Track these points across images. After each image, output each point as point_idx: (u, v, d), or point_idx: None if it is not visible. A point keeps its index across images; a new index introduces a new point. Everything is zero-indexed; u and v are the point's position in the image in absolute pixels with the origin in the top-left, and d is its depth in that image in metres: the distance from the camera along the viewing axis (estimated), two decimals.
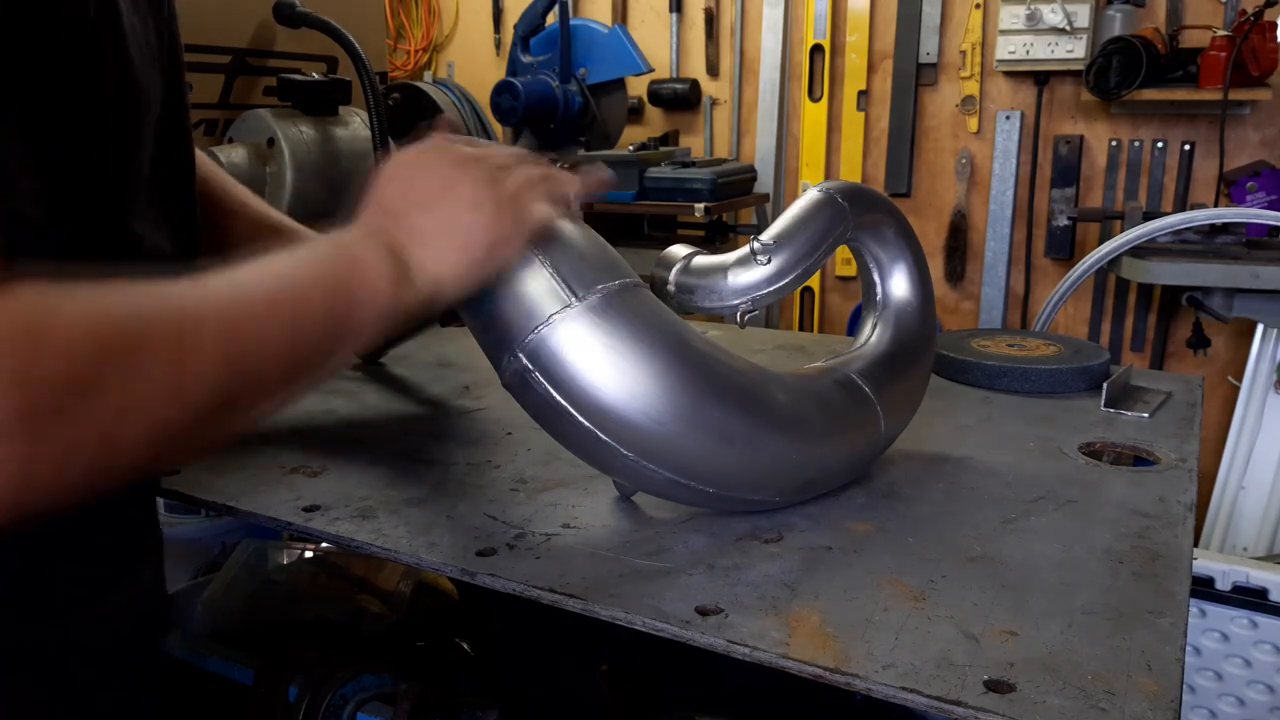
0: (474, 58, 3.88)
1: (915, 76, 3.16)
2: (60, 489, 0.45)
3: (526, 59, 2.90)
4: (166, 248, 0.69)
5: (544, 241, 0.71)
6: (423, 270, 0.64)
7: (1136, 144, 2.94)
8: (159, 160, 0.66)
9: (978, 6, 3.03)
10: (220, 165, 1.19)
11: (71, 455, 0.44)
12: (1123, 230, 2.53)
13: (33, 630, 0.61)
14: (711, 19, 3.43)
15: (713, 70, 3.47)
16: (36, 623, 0.62)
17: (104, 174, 0.61)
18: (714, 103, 3.49)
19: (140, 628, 0.72)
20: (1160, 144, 2.91)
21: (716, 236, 2.78)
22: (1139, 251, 2.44)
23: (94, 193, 0.60)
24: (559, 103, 2.81)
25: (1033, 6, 2.79)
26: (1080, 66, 2.80)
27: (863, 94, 3.26)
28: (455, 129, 0.74)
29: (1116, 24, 2.79)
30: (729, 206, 2.74)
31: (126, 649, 0.70)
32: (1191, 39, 2.73)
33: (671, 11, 3.47)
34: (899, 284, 0.90)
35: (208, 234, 0.79)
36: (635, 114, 3.51)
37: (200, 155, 0.80)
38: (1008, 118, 3.05)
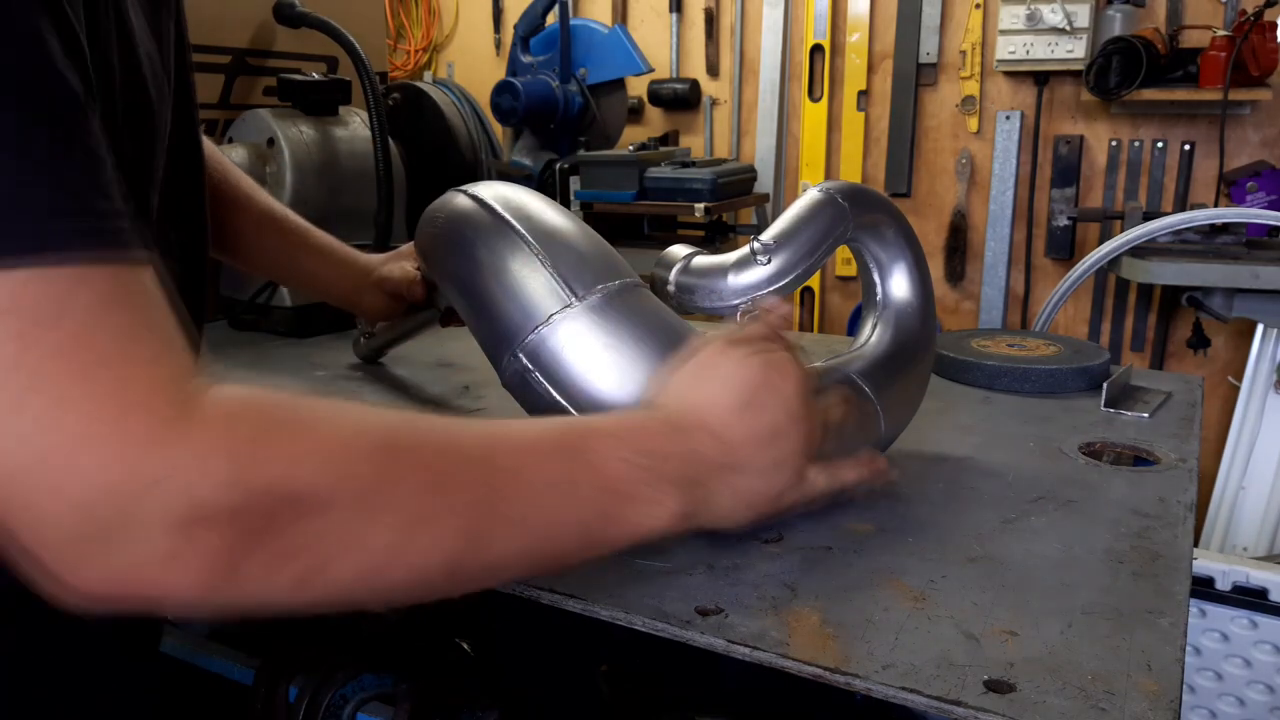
0: (474, 58, 3.88)
1: (915, 76, 3.16)
2: (259, 597, 0.44)
3: (526, 59, 2.90)
4: (170, 282, 0.68)
5: (545, 241, 0.71)
6: (696, 510, 0.60)
7: (1136, 144, 2.94)
8: (168, 189, 0.64)
9: (978, 6, 3.03)
10: None
11: (277, 565, 0.43)
12: (1123, 230, 2.53)
13: (33, 630, 0.61)
14: (711, 19, 3.43)
15: (713, 70, 3.47)
16: (37, 623, 0.62)
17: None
18: (714, 103, 3.48)
19: (140, 628, 0.72)
20: (1160, 144, 2.91)
21: (716, 236, 2.77)
22: (1139, 251, 2.45)
23: None
24: (559, 103, 2.81)
25: (1033, 6, 2.79)
26: (1080, 66, 2.80)
27: (863, 94, 3.26)
28: (775, 327, 0.69)
29: (1116, 24, 2.79)
30: (729, 206, 2.74)
31: (126, 649, 0.70)
32: (1191, 39, 2.73)
33: (671, 11, 3.47)
34: (899, 284, 0.90)
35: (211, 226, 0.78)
36: (635, 114, 3.51)
37: (207, 144, 0.79)
38: (1008, 118, 3.05)
